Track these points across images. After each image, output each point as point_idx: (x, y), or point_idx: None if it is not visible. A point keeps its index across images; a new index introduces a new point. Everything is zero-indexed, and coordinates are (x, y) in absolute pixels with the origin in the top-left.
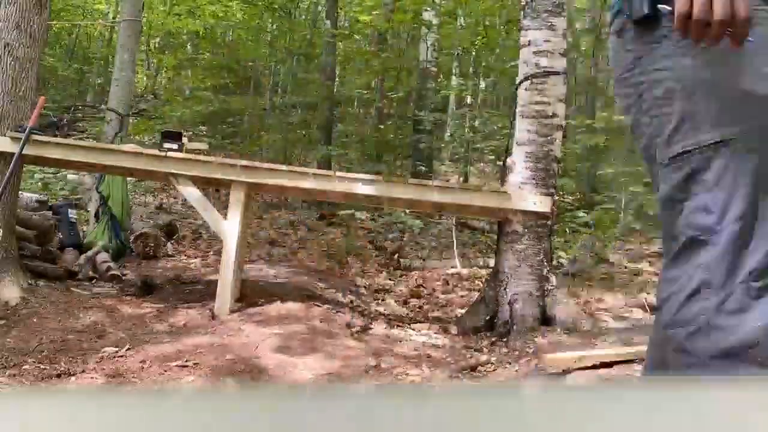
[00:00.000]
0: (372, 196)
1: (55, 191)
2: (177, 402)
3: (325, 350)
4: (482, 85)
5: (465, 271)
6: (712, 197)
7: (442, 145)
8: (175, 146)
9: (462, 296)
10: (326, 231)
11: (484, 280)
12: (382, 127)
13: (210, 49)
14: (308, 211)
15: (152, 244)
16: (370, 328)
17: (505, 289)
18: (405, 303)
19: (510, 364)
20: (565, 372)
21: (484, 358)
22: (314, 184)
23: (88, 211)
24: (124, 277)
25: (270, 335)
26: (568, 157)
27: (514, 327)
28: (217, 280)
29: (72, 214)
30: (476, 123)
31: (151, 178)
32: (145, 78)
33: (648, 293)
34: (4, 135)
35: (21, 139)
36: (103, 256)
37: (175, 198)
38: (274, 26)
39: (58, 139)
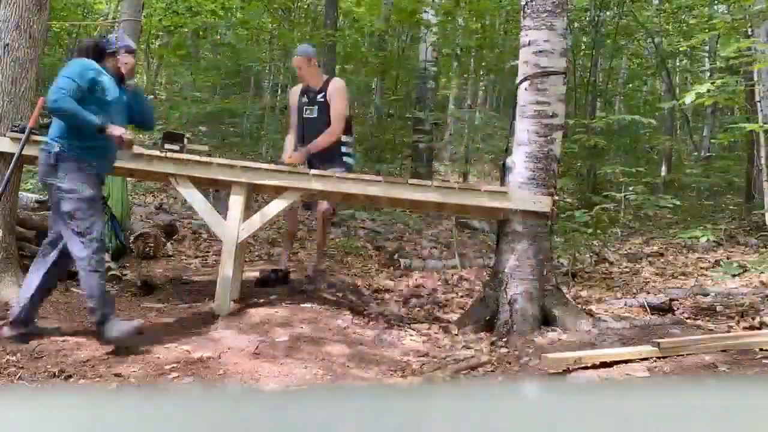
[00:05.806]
0: (372, 196)
1: None
2: (176, 402)
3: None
4: (482, 85)
5: (465, 271)
6: None
7: (442, 145)
8: (176, 147)
9: (462, 296)
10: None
11: (484, 280)
12: (382, 126)
13: (210, 48)
14: (308, 211)
15: (152, 244)
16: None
17: (505, 289)
18: (405, 303)
19: (510, 364)
20: (565, 372)
21: (484, 358)
22: (314, 184)
23: None
24: (124, 277)
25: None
26: (567, 157)
27: (514, 327)
28: (216, 280)
29: None
30: (476, 123)
31: (151, 179)
32: (145, 78)
33: (648, 293)
34: (4, 135)
35: (21, 139)
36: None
37: (175, 198)
38: (274, 26)
39: None
